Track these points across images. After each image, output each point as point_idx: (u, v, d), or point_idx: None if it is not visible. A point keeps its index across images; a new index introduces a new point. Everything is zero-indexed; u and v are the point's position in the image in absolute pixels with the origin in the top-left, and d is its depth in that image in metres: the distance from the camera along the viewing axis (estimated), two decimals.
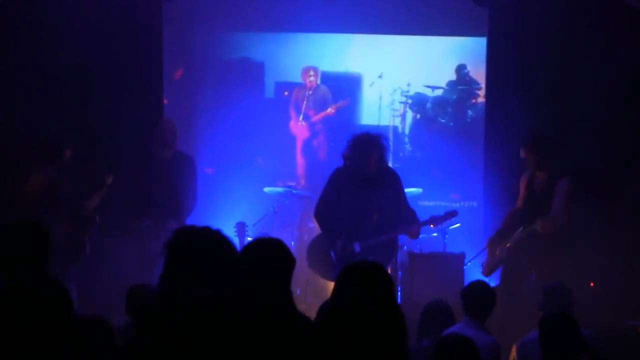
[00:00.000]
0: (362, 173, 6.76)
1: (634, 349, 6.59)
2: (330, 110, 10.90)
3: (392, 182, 6.91)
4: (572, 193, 7.25)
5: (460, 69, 11.35)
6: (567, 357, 4.49)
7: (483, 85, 10.31)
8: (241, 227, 8.22)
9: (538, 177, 7.41)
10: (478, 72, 10.66)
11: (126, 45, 8.22)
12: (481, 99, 10.77)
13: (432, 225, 6.89)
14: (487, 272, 7.52)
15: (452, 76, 11.43)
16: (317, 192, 7.23)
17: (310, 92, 10.94)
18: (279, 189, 9.41)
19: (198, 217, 7.95)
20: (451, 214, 7.12)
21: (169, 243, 2.81)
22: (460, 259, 7.90)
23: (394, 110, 11.78)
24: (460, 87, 11.31)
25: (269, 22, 10.37)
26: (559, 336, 4.50)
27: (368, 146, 6.74)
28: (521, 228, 7.25)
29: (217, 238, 2.78)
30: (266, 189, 9.30)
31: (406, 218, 6.87)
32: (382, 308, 3.44)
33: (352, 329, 2.74)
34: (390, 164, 7.14)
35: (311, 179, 10.35)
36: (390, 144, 7.05)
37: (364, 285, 3.53)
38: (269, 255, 3.60)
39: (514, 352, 5.59)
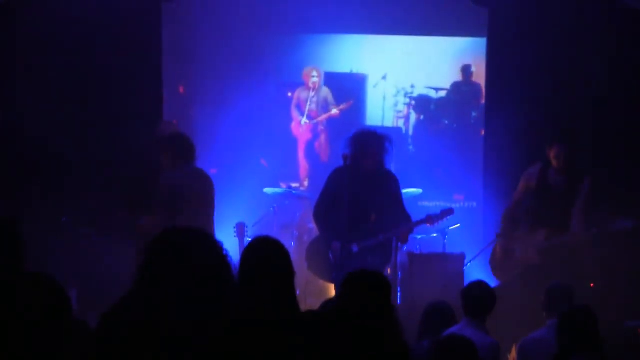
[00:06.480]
0: (360, 167, 6.74)
1: (634, 349, 6.57)
2: (334, 111, 10.86)
3: (391, 184, 6.90)
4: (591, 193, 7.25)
5: (466, 70, 11.31)
6: (581, 354, 4.42)
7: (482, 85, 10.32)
8: (241, 228, 8.21)
9: (555, 173, 7.35)
10: (478, 73, 10.66)
11: (126, 45, 8.23)
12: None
13: (428, 224, 6.87)
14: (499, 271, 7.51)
15: (453, 77, 11.42)
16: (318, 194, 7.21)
17: (313, 93, 10.90)
18: (279, 190, 9.39)
19: None
20: (448, 212, 7.07)
21: (154, 240, 2.75)
22: (460, 259, 7.89)
23: (398, 111, 11.78)
24: (464, 89, 11.31)
25: (270, 24, 10.35)
26: (579, 331, 4.45)
27: (369, 140, 6.76)
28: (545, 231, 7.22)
29: (206, 239, 2.74)
30: (266, 190, 9.29)
31: (402, 219, 6.86)
32: (380, 315, 3.47)
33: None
34: (393, 165, 7.11)
35: (314, 181, 10.32)
36: (393, 147, 6.99)
37: (365, 293, 3.56)
38: (268, 254, 3.62)
39: (514, 353, 5.58)
